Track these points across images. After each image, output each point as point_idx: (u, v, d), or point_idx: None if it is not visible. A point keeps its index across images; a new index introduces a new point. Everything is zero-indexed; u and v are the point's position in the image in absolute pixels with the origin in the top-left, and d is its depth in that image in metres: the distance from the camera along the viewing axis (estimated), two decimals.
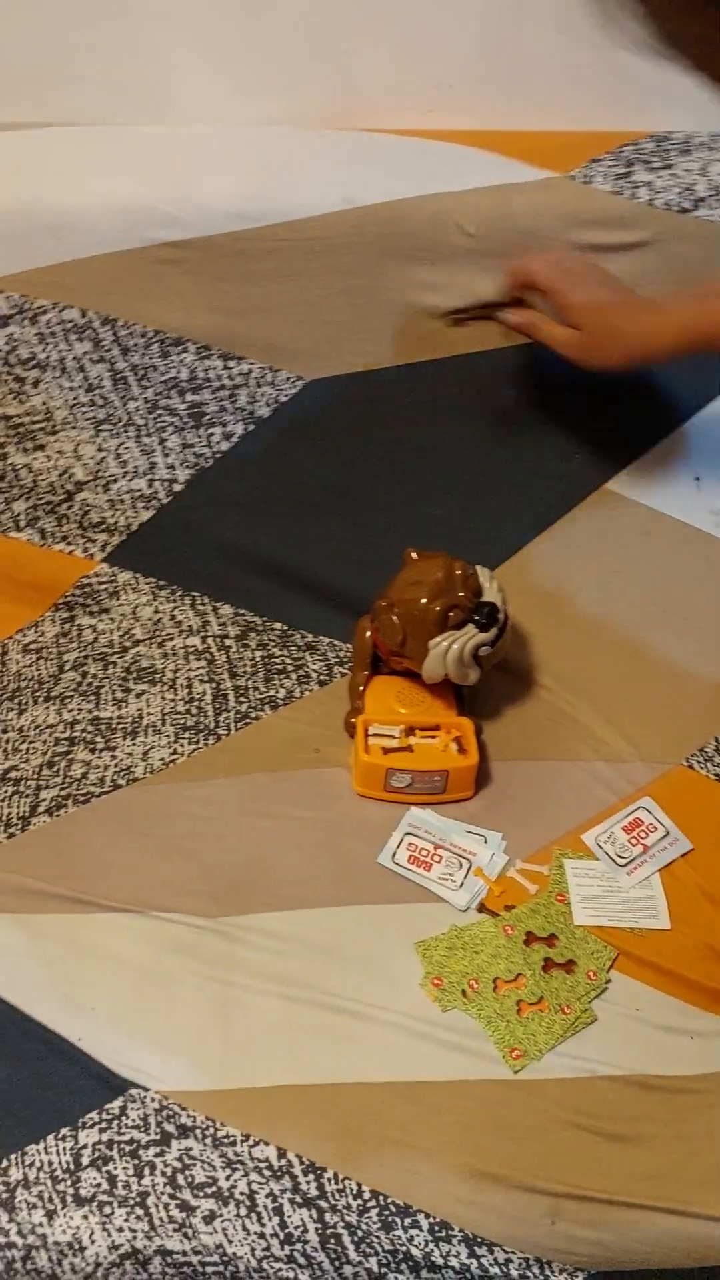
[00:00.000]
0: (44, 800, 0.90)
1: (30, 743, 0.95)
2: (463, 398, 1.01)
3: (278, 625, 1.03)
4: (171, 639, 1.02)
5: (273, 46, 0.98)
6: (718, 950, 0.80)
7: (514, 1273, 0.68)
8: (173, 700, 0.98)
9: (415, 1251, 0.68)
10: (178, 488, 1.03)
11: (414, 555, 0.90)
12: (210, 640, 1.02)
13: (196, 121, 0.99)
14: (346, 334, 0.99)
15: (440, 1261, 0.68)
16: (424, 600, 0.85)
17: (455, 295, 0.97)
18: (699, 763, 0.92)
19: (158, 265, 0.96)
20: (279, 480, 1.03)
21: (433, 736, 0.89)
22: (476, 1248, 0.68)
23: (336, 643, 1.01)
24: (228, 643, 1.02)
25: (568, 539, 1.02)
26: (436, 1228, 0.68)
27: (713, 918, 0.82)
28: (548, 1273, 0.68)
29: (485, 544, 1.01)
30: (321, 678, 0.99)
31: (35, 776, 0.92)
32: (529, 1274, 0.68)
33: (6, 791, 0.91)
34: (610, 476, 1.03)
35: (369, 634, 0.92)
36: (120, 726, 0.96)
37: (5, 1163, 0.70)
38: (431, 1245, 0.68)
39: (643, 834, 0.86)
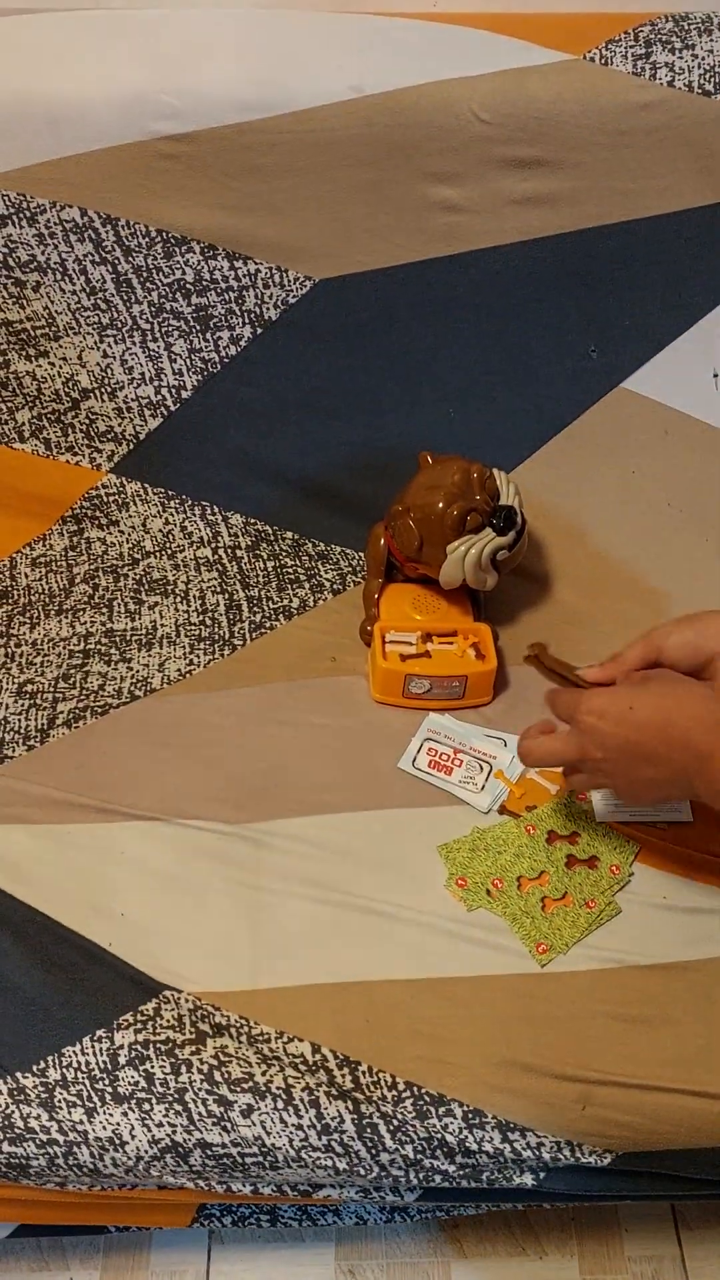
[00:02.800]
0: (61, 712, 0.90)
1: (44, 656, 0.94)
2: (477, 295, 0.98)
3: (289, 534, 1.02)
4: (182, 550, 1.01)
5: None
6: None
7: (545, 1155, 0.70)
8: (186, 612, 0.97)
9: (450, 1138, 0.70)
10: (185, 394, 1.01)
11: (429, 459, 0.89)
12: (222, 551, 1.01)
13: (195, 3, 0.94)
14: (357, 231, 0.95)
15: (474, 1147, 0.70)
16: (441, 504, 0.84)
17: (470, 186, 0.94)
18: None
19: (159, 160, 0.92)
20: (289, 385, 1.00)
21: (450, 642, 0.89)
22: (509, 1133, 0.70)
23: (349, 551, 1.00)
24: (239, 553, 1.01)
25: (584, 439, 1.01)
26: (470, 1115, 0.70)
27: None
28: (578, 1154, 0.70)
29: (501, 446, 1.00)
30: (335, 586, 0.98)
31: (52, 689, 0.91)
32: (560, 1156, 0.70)
33: (24, 705, 0.90)
34: (628, 375, 1.01)
35: (384, 540, 0.91)
36: (135, 638, 0.95)
37: (43, 1064, 0.72)
38: (465, 1131, 0.70)
39: None
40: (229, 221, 0.95)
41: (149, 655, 0.93)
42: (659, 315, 0.99)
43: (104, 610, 0.97)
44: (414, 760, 0.85)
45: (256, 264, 0.97)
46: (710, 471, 1.00)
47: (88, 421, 1.02)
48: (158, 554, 1.01)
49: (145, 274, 0.97)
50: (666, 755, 0.66)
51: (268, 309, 0.99)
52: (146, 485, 1.03)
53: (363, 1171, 0.71)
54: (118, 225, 0.95)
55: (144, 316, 0.99)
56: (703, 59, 0.93)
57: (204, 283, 0.97)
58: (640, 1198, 0.80)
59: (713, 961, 0.75)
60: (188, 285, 0.97)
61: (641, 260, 0.97)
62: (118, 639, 0.95)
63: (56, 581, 0.99)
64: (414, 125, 0.92)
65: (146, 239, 0.95)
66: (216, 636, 0.94)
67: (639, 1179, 0.73)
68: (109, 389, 1.01)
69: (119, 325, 0.99)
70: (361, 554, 0.99)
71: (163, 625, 0.96)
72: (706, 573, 0.96)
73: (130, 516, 1.02)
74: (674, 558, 0.97)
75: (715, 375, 1.00)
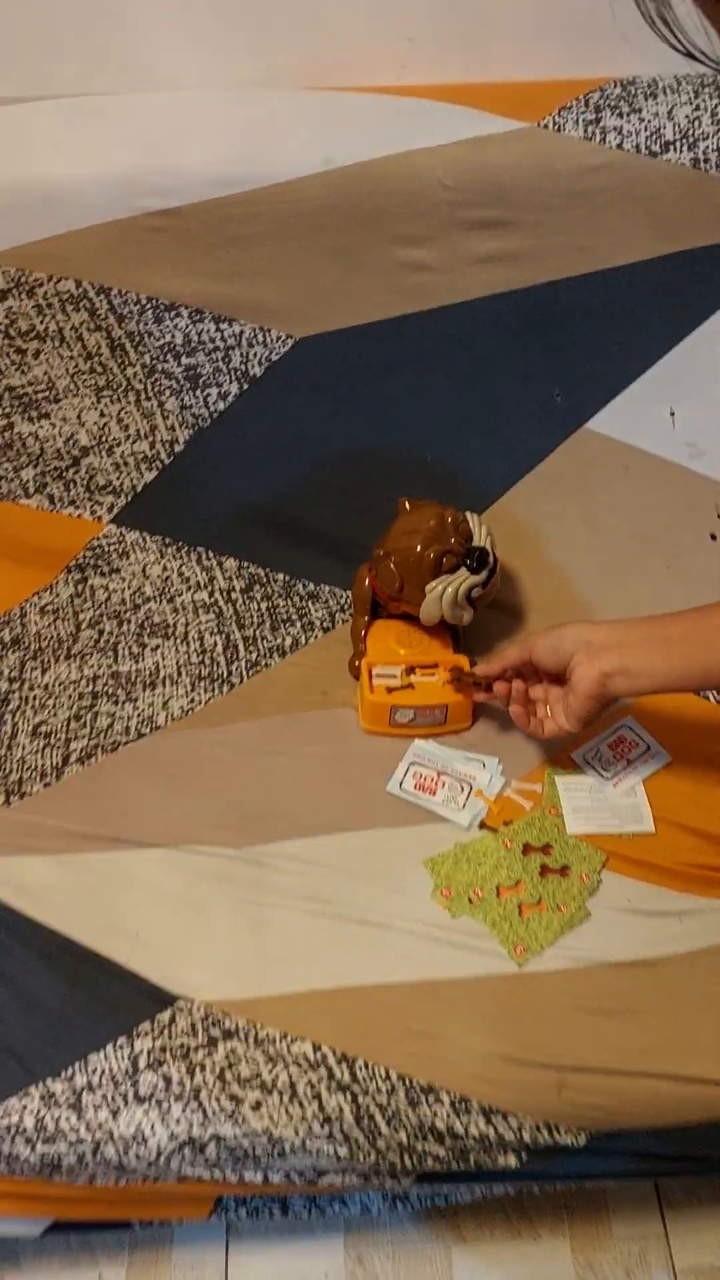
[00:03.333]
0: (74, 751, 0.97)
1: (56, 698, 1.01)
2: (447, 348, 1.05)
3: (280, 576, 1.09)
4: (181, 594, 1.09)
5: (244, 8, 1.00)
6: (697, 843, 0.88)
7: (526, 1137, 0.78)
8: (186, 653, 1.04)
9: (439, 1124, 0.77)
10: (179, 448, 1.09)
11: (407, 505, 0.96)
12: (218, 594, 1.09)
13: (174, 87, 1.02)
14: (334, 292, 1.03)
15: (461, 1131, 0.77)
16: (419, 548, 0.92)
17: (437, 247, 1.01)
18: None
19: (148, 233, 1.00)
20: (275, 436, 1.08)
21: (432, 674, 0.96)
22: (493, 1117, 0.77)
23: (337, 590, 1.08)
24: (234, 595, 1.08)
25: (552, 478, 1.08)
26: (457, 1102, 0.77)
27: (692, 816, 0.90)
28: (556, 1135, 0.78)
29: (474, 488, 1.07)
30: (324, 625, 1.06)
31: (65, 729, 0.99)
32: (539, 1137, 0.78)
33: (39, 744, 0.98)
34: (590, 416, 1.08)
35: (368, 581, 0.99)
36: (139, 679, 1.02)
37: (70, 1070, 0.79)
38: (453, 1117, 0.77)
39: (626, 749, 0.94)
40: (214, 287, 1.03)
41: (153, 695, 1.01)
42: (618, 360, 1.07)
43: (110, 654, 1.04)
44: (401, 783, 0.92)
45: (240, 325, 1.05)
46: (668, 504, 1.08)
47: (88, 476, 1.10)
48: (158, 599, 1.08)
49: (137, 338, 1.05)
50: None
51: (252, 366, 1.06)
52: (145, 534, 1.11)
53: (361, 1157, 0.78)
54: (110, 295, 1.03)
55: (137, 377, 1.06)
56: (649, 122, 1.01)
57: (192, 344, 1.05)
58: (616, 1175, 0.87)
59: (675, 959, 0.83)
60: (177, 347, 1.05)
61: (600, 310, 1.05)
62: (123, 680, 1.02)
63: (64, 628, 1.07)
64: (383, 193, 1.00)
65: (138, 306, 1.03)
66: (215, 675, 1.02)
67: (614, 1157, 0.81)
68: (107, 445, 1.09)
69: (114, 386, 1.06)
70: (349, 592, 1.06)
71: (165, 666, 1.03)
72: (667, 599, 1.03)
73: (131, 564, 1.10)
74: (637, 586, 1.05)
75: (671, 414, 1.08)
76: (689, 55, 0.50)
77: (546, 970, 0.83)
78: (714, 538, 1.09)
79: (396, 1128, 0.77)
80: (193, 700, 1.00)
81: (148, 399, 1.07)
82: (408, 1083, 0.78)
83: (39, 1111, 0.78)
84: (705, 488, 1.10)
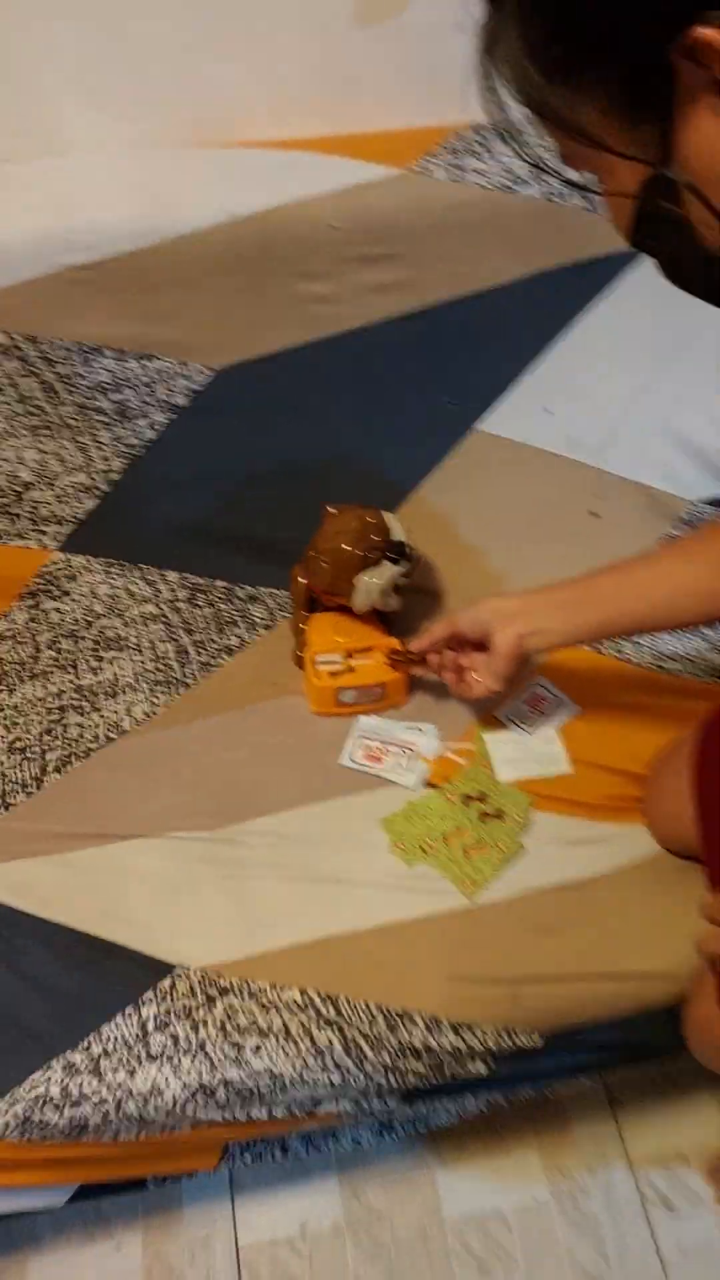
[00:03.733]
0: (50, 761, 1.06)
1: (26, 716, 1.10)
2: (350, 368, 1.18)
3: (220, 583, 1.20)
4: (129, 609, 1.18)
5: (137, 76, 1.10)
6: (609, 778, 1.02)
7: (490, 1044, 0.90)
8: (141, 661, 1.14)
9: (416, 1042, 0.89)
10: (115, 476, 1.18)
11: (331, 510, 1.08)
12: (164, 605, 1.19)
13: (79, 151, 1.12)
14: (244, 326, 1.15)
15: (435, 1046, 0.89)
16: (346, 547, 1.04)
17: (333, 281, 1.14)
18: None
19: (70, 285, 1.10)
20: (203, 458, 1.19)
21: (368, 657, 1.08)
22: (461, 1030, 0.90)
23: (274, 591, 1.19)
24: (179, 605, 1.19)
25: (453, 475, 1.22)
26: (430, 1021, 0.90)
27: (603, 756, 1.04)
28: (516, 1040, 0.91)
29: (387, 489, 1.20)
30: (266, 623, 1.17)
31: (39, 743, 1.08)
32: (502, 1042, 0.90)
33: (16, 759, 1.07)
34: (479, 418, 1.22)
35: (303, 580, 1.10)
36: (101, 690, 1.12)
37: (86, 1041, 0.89)
38: (428, 1035, 0.89)
39: (541, 704, 1.07)
40: (135, 329, 1.13)
41: (116, 703, 1.10)
42: (497, 368, 1.21)
43: (70, 670, 1.14)
44: (351, 756, 1.04)
45: (162, 361, 1.15)
46: (553, 488, 1.22)
47: (32, 509, 1.18)
48: (109, 615, 1.18)
49: (68, 380, 1.14)
50: None
51: (176, 397, 1.17)
52: (90, 558, 1.20)
53: (353, 1082, 0.90)
54: (39, 343, 1.12)
55: (71, 416, 1.16)
56: (502, 162, 1.15)
57: (119, 381, 1.15)
58: (572, 1071, 1.01)
59: (600, 878, 0.97)
60: (106, 385, 1.15)
61: (478, 326, 1.19)
62: (86, 692, 1.12)
63: (25, 650, 1.15)
64: (280, 238, 1.12)
65: (66, 351, 1.13)
66: (171, 679, 1.12)
67: (567, 1054, 0.94)
68: (48, 479, 1.18)
69: (51, 425, 1.16)
70: (285, 593, 1.18)
71: (123, 676, 1.13)
72: (560, 568, 1.17)
73: (80, 586, 1.19)
74: (534, 560, 1.18)
75: (546, 410, 1.23)
76: (536, 167, 0.62)
77: (493, 901, 0.96)
78: (594, 515, 1.24)
79: (380, 1051, 0.89)
80: (154, 704, 1.10)
81: (82, 434, 1.16)
82: (385, 1011, 0.90)
83: (63, 1081, 0.87)
84: (583, 472, 1.25)
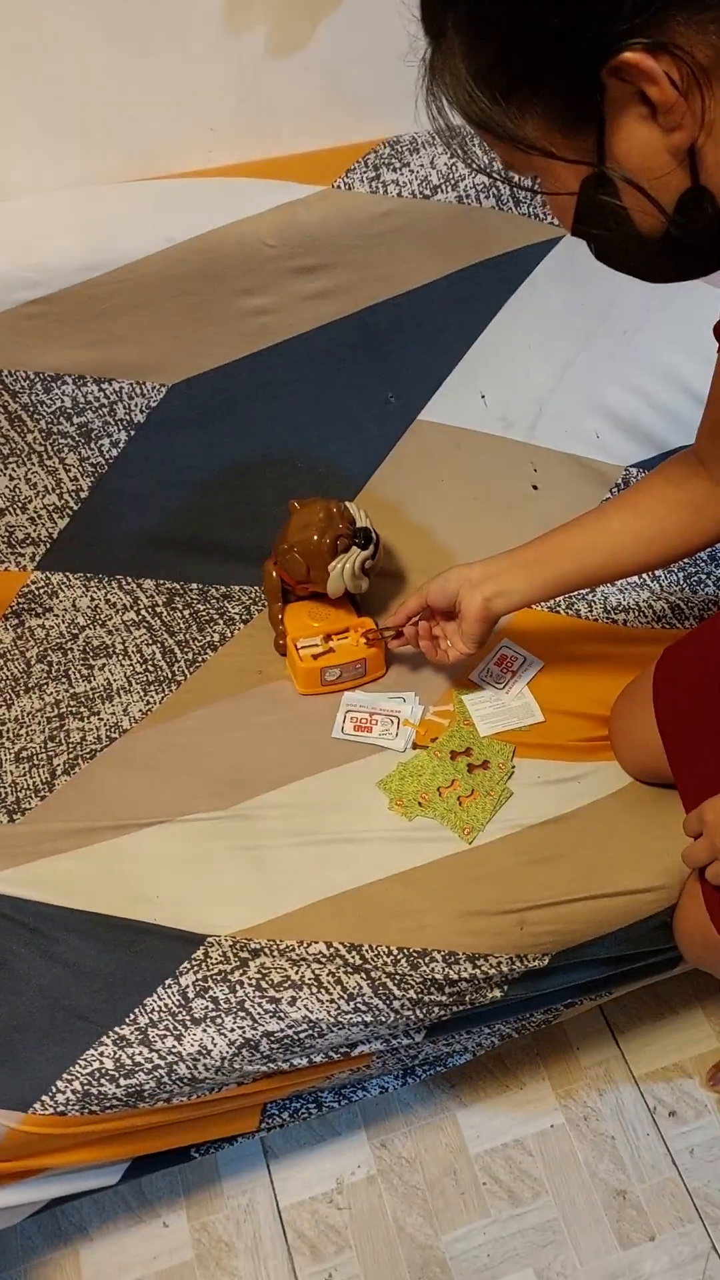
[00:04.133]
0: (58, 765, 1.12)
1: (28, 727, 1.16)
2: (295, 373, 1.26)
3: (195, 585, 1.27)
4: (111, 619, 1.25)
5: (71, 119, 1.17)
6: (579, 722, 1.12)
7: (504, 968, 0.99)
8: (130, 665, 1.21)
9: (438, 975, 0.97)
10: (84, 495, 1.24)
11: (296, 505, 1.16)
12: (144, 611, 1.25)
13: (23, 193, 1.18)
14: (193, 342, 1.22)
15: (455, 977, 0.98)
16: (315, 537, 1.12)
17: (271, 294, 1.22)
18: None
19: (26, 320, 1.15)
20: (166, 470, 1.26)
21: (345, 637, 1.16)
22: (476, 960, 0.98)
23: (246, 587, 1.26)
24: (159, 610, 1.25)
25: (401, 464, 1.31)
26: (447, 956, 0.98)
27: (571, 703, 1.14)
28: (526, 963, 0.99)
29: (342, 482, 1.28)
30: (244, 618, 1.24)
31: (44, 750, 1.13)
32: (514, 966, 0.99)
33: (25, 768, 1.12)
34: (420, 410, 1.31)
35: (275, 573, 1.18)
36: (96, 695, 1.18)
37: (133, 1015, 0.95)
38: (447, 968, 0.98)
39: (509, 664, 1.17)
40: (91, 355, 1.20)
41: (113, 705, 1.17)
42: (431, 361, 1.31)
43: (63, 680, 1.19)
44: (342, 729, 1.12)
45: (119, 382, 1.22)
46: (494, 468, 1.32)
47: (8, 534, 1.24)
48: (92, 626, 1.24)
49: (32, 408, 1.20)
50: None
51: (136, 415, 1.24)
52: (68, 574, 1.26)
53: (384, 1019, 0.97)
54: (2, 377, 1.18)
55: (37, 441, 1.21)
56: (417, 172, 1.24)
57: (81, 405, 1.21)
58: (578, 991, 1.10)
59: (581, 810, 1.06)
60: (68, 410, 1.21)
61: (409, 323, 1.28)
62: (82, 699, 1.17)
63: (16, 667, 1.21)
64: (219, 258, 1.19)
65: (27, 381, 1.18)
66: (162, 678, 1.19)
67: (572, 971, 1.03)
68: (20, 504, 1.23)
69: (19, 452, 1.21)
70: (256, 588, 1.25)
71: (115, 680, 1.19)
72: (507, 539, 1.27)
73: (61, 602, 1.25)
74: (487, 536, 1.28)
75: (482, 397, 1.33)
76: (484, 172, 0.73)
77: (490, 841, 1.04)
78: (535, 488, 1.34)
79: (406, 989, 0.97)
80: (148, 703, 1.16)
81: (49, 458, 1.22)
82: (406, 952, 0.98)
83: (115, 1054, 0.93)
84: (520, 450, 1.35)
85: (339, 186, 1.22)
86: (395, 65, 1.20)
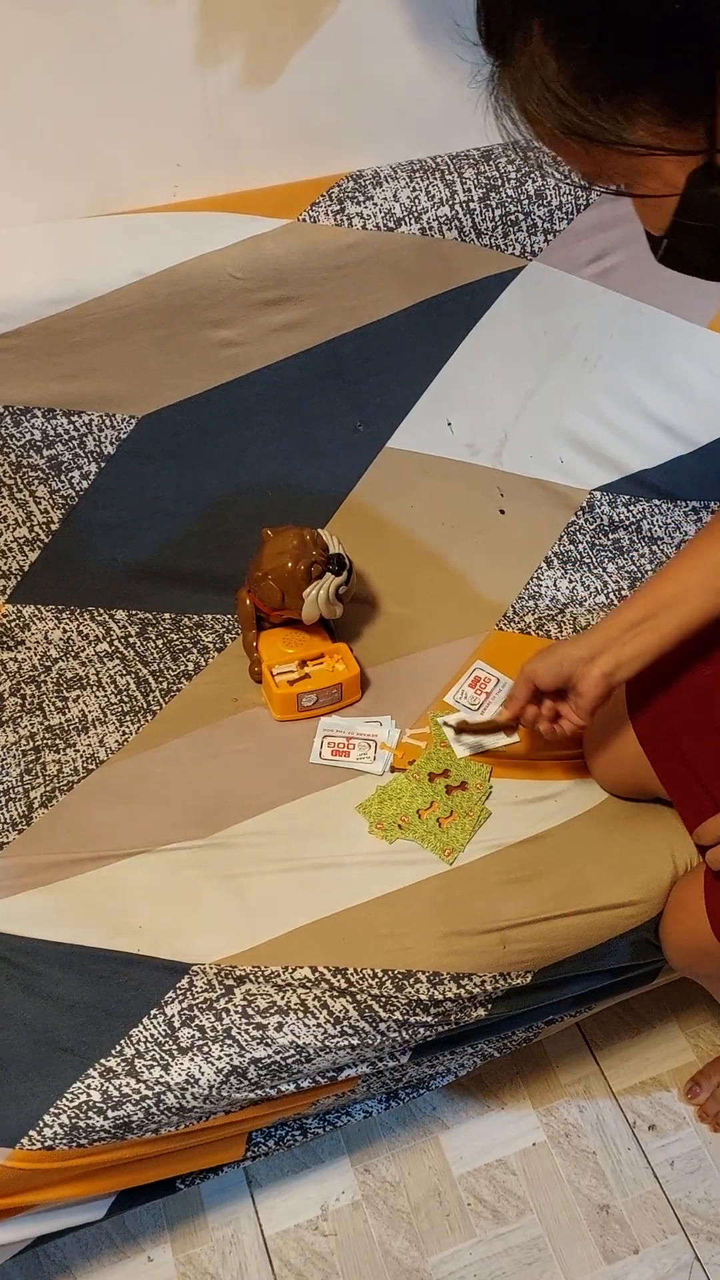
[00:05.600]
0: (35, 798, 1.11)
1: (2, 761, 1.15)
2: (264, 404, 1.27)
3: (167, 615, 1.27)
4: (84, 650, 1.25)
5: (38, 154, 1.18)
6: (551, 743, 1.14)
7: (487, 986, 1.00)
8: (105, 696, 1.21)
9: (423, 996, 0.98)
10: (55, 527, 1.25)
11: (269, 533, 1.17)
12: (117, 642, 1.25)
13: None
14: (161, 374, 1.23)
15: (440, 997, 0.99)
16: (290, 564, 1.13)
17: (240, 326, 1.23)
18: (504, 625, 1.26)
19: None
20: (136, 501, 1.26)
21: (320, 663, 1.18)
22: (461, 980, 0.99)
23: (219, 616, 1.27)
24: (131, 640, 1.26)
25: (371, 491, 1.32)
26: (432, 977, 0.99)
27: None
28: (509, 980, 1.01)
29: (313, 510, 1.30)
30: (217, 646, 1.25)
31: (20, 783, 1.13)
32: (498, 984, 1.00)
33: (1, 802, 1.11)
34: (388, 437, 1.33)
35: (249, 600, 1.19)
36: (72, 727, 1.18)
37: (119, 1046, 0.95)
38: (432, 989, 0.98)
39: (483, 685, 1.19)
40: (61, 388, 1.20)
41: (88, 737, 1.16)
42: (398, 390, 1.33)
43: (38, 713, 1.19)
44: (320, 754, 1.13)
45: (89, 415, 1.22)
46: (462, 493, 1.35)
47: None
48: (65, 658, 1.24)
49: (1, 441, 1.20)
50: None
51: (106, 447, 1.24)
52: (39, 606, 1.26)
53: (370, 1042, 0.98)
54: None
55: (7, 474, 1.22)
56: (380, 204, 1.27)
57: (50, 438, 1.22)
58: (560, 1008, 1.11)
59: (557, 829, 1.08)
60: (38, 443, 1.21)
61: (376, 353, 1.30)
62: (58, 731, 1.17)
63: None
64: (188, 291, 1.21)
65: None
66: (137, 708, 1.19)
67: (554, 988, 1.05)
68: None
69: None
70: (230, 617, 1.26)
71: (90, 711, 1.19)
72: (479, 564, 1.31)
73: (33, 634, 1.25)
74: (455, 559, 1.31)
75: (449, 424, 1.35)
76: (585, 187, 0.67)
77: (470, 861, 1.06)
78: (502, 512, 1.37)
79: (391, 1010, 0.98)
80: (124, 733, 1.17)
81: (20, 491, 1.22)
82: (391, 974, 0.99)
83: (103, 1086, 0.93)
84: (486, 476, 1.38)
85: (304, 219, 1.24)
86: (358, 100, 1.26)
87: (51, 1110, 0.91)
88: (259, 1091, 0.97)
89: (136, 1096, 0.93)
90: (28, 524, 1.24)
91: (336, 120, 1.28)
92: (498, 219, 1.26)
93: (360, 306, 1.29)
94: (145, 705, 1.19)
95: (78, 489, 1.25)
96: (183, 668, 1.23)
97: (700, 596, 0.94)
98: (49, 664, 1.24)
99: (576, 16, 0.56)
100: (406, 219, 1.27)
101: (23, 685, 1.22)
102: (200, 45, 1.13)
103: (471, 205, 1.27)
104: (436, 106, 1.28)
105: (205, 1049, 0.95)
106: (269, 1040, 0.96)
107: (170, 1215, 1.23)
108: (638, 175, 0.63)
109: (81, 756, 1.15)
